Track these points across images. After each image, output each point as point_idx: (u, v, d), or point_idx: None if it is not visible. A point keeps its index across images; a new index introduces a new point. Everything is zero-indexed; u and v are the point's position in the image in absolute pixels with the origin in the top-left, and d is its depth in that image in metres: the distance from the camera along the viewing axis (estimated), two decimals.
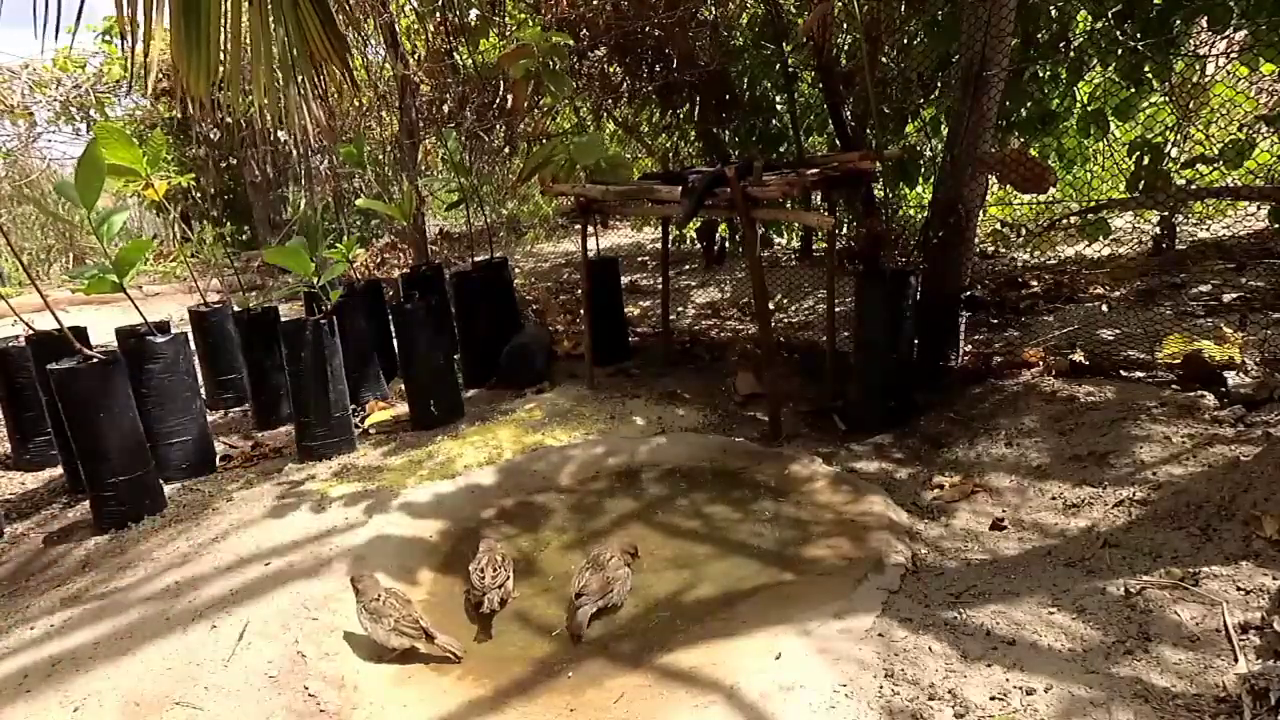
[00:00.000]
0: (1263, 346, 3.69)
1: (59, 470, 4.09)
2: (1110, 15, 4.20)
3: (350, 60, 3.82)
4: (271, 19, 3.41)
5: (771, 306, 5.71)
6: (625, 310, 5.58)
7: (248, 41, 3.45)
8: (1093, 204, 4.53)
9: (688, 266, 7.67)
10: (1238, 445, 2.99)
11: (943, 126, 4.80)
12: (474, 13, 6.67)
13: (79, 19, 3.09)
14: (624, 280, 6.09)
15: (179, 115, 10.11)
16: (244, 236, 11.18)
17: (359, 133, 6.75)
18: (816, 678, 2.14)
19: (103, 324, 4.77)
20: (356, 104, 7.88)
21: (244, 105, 4.86)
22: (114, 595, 2.88)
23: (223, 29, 3.33)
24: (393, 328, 4.98)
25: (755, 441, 3.94)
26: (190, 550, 3.17)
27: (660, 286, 5.41)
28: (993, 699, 2.01)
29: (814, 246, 6.99)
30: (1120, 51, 4.20)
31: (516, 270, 8.28)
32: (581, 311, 5.40)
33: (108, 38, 10.68)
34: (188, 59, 3.27)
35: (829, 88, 5.19)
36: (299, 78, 3.58)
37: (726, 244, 6.50)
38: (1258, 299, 4.37)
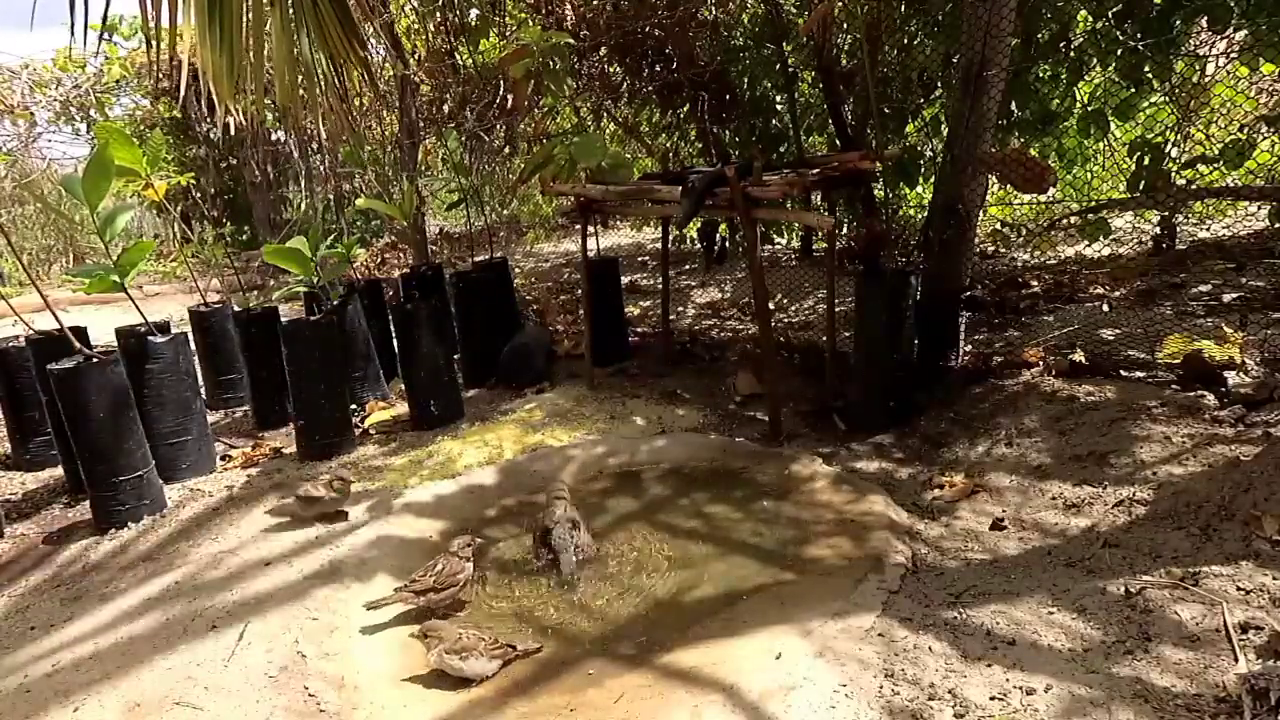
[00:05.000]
0: (1263, 346, 3.69)
1: (59, 470, 4.08)
2: (1110, 15, 4.20)
3: (368, 60, 3.86)
4: (293, 20, 3.44)
5: (771, 306, 5.71)
6: (625, 310, 5.58)
7: (270, 44, 3.49)
8: (1093, 204, 4.53)
9: (688, 266, 7.67)
10: (1238, 445, 2.99)
11: (943, 126, 4.80)
12: (474, 13, 6.68)
13: (73, 12, 3.09)
14: (624, 280, 6.08)
15: (179, 115, 10.11)
16: (244, 236, 11.18)
17: (359, 133, 6.74)
18: (817, 677, 2.14)
19: (103, 324, 4.77)
20: (358, 103, 7.88)
21: (262, 106, 4.89)
22: (114, 596, 2.89)
23: (245, 31, 3.36)
24: (393, 328, 4.98)
25: (755, 441, 3.94)
26: (190, 550, 3.18)
27: (660, 286, 5.41)
28: (993, 699, 2.01)
29: (814, 246, 7.00)
30: (1120, 51, 4.20)
31: (516, 270, 8.27)
32: (581, 311, 5.40)
33: (107, 36, 10.66)
34: (213, 62, 3.29)
35: (829, 88, 5.19)
36: (321, 79, 3.61)
37: (726, 244, 6.50)
38: (1258, 299, 4.37)
